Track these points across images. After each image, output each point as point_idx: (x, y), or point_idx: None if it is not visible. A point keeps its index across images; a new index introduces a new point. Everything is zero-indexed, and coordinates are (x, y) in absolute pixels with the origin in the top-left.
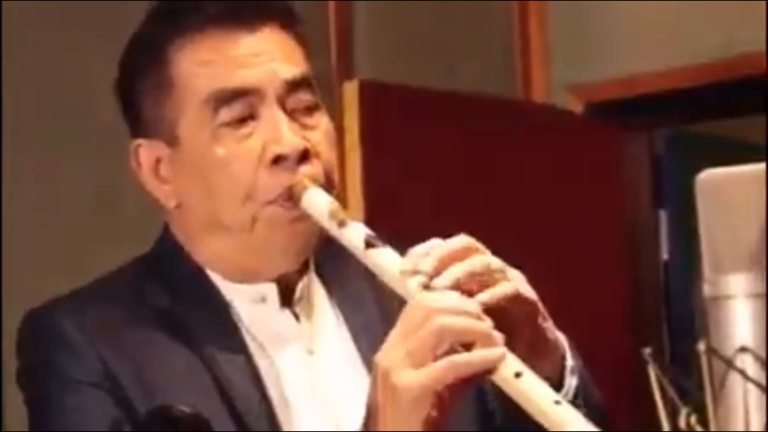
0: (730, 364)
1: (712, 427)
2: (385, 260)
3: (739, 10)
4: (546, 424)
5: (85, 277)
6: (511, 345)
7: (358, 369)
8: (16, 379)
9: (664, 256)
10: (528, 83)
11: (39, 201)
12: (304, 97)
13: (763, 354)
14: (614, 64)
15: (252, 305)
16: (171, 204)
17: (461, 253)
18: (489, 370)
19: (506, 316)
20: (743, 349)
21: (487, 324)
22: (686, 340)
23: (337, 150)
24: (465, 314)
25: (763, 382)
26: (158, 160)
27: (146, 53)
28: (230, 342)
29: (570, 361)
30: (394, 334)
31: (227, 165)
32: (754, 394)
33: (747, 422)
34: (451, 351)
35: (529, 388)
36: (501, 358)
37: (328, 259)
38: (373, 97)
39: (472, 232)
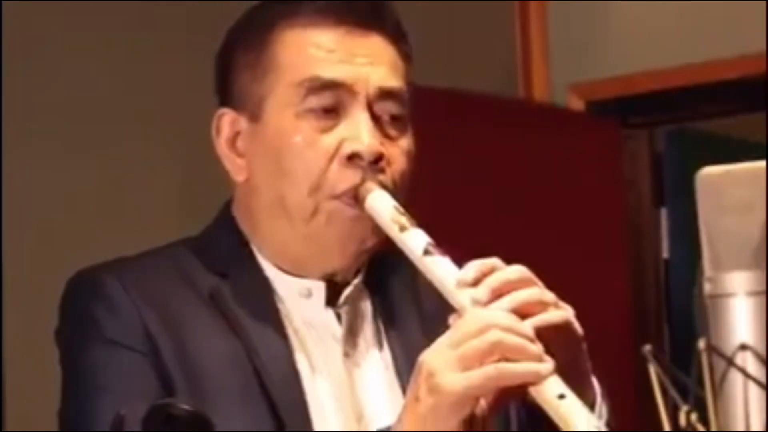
0: (730, 361)
1: (713, 425)
2: (441, 269)
3: (738, 9)
4: None
5: None
6: None
7: (390, 376)
8: (55, 335)
9: (665, 254)
10: (529, 82)
11: (41, 200)
12: (393, 109)
13: (763, 352)
14: (614, 63)
15: (298, 298)
16: (240, 177)
17: (516, 284)
18: (533, 382)
19: (553, 347)
20: (743, 347)
21: (539, 347)
22: (687, 338)
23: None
24: (520, 334)
25: (764, 379)
26: (238, 133)
27: (255, 29)
28: (272, 331)
29: (599, 404)
30: (444, 339)
31: (303, 152)
32: (755, 392)
33: (747, 420)
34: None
35: (571, 412)
36: (548, 373)
37: (378, 273)
38: None
39: (473, 230)
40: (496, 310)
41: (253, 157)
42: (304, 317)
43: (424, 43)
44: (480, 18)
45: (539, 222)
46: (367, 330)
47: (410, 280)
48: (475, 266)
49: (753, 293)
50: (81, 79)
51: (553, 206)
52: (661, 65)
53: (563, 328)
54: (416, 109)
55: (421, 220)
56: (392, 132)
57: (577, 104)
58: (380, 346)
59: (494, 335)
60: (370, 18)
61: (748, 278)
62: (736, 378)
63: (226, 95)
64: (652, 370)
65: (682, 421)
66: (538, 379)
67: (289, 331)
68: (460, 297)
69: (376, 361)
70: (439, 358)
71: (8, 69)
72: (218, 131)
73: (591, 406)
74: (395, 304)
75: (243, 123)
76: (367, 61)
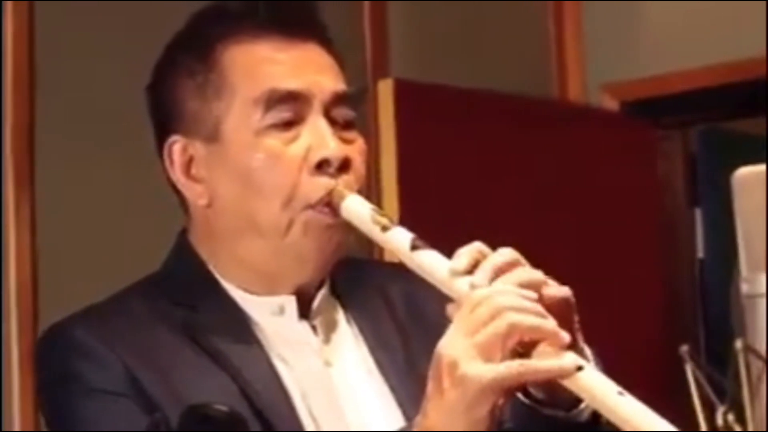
0: (767, 361)
1: (750, 425)
2: (432, 261)
3: None
4: (609, 416)
5: (118, 280)
6: None
7: (375, 379)
8: (37, 394)
9: (700, 254)
10: (563, 82)
11: (73, 197)
12: (345, 112)
13: None
14: (649, 63)
15: (270, 317)
16: (202, 202)
17: (509, 267)
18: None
19: (554, 319)
20: None
21: (553, 323)
22: (723, 338)
23: (370, 152)
24: (531, 312)
25: None
26: (191, 159)
27: (196, 52)
28: (254, 356)
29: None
30: (457, 327)
31: (271, 167)
32: None
33: None
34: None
35: (591, 382)
36: (575, 370)
37: (343, 281)
38: (407, 96)
39: (507, 231)
40: (502, 290)
41: (214, 180)
42: (279, 334)
43: (458, 43)
44: (514, 18)
45: (574, 223)
46: (344, 337)
47: (379, 288)
48: (465, 253)
49: None
50: (113, 79)
51: (588, 207)
52: (695, 65)
53: (560, 300)
54: (450, 109)
55: (457, 221)
56: (347, 135)
57: (611, 104)
58: (360, 351)
59: (509, 318)
60: (302, 26)
61: None
62: None
63: (173, 122)
64: (689, 370)
65: (719, 421)
66: (567, 374)
67: (269, 351)
68: (457, 286)
69: (358, 365)
70: (457, 347)
71: (41, 68)
72: (171, 161)
73: None
74: (367, 311)
75: (197, 147)
76: (315, 69)
